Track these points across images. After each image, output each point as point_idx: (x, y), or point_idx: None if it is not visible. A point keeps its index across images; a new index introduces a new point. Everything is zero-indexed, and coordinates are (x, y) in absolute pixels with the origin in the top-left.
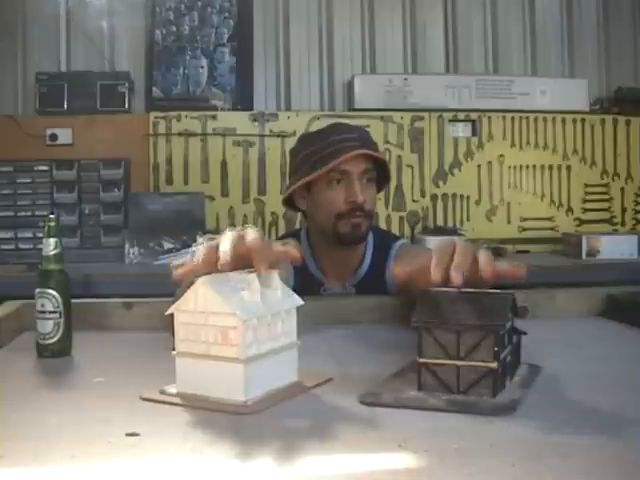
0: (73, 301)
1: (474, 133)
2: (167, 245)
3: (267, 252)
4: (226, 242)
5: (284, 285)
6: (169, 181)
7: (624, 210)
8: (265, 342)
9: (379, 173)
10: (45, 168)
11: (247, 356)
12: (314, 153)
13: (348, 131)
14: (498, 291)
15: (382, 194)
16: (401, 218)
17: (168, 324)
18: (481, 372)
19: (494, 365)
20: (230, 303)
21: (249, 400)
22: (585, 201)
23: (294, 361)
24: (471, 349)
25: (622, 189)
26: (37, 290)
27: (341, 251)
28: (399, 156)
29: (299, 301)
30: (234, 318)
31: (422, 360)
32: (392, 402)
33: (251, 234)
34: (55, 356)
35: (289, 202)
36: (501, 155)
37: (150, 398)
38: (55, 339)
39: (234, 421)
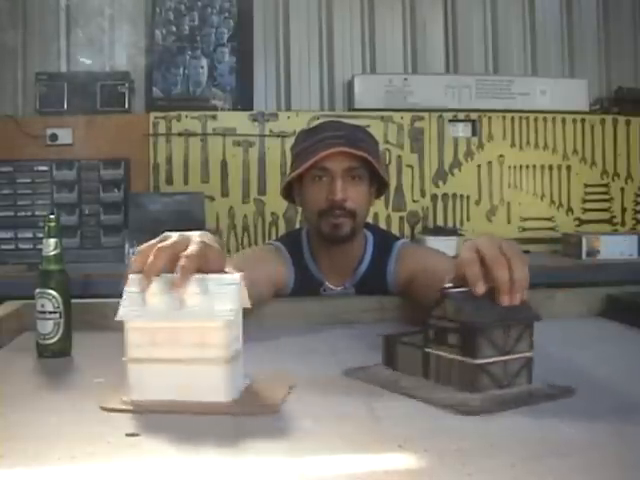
0: (73, 301)
1: (474, 133)
2: None
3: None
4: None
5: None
6: (169, 181)
7: (624, 210)
8: (235, 343)
9: (377, 174)
10: (45, 168)
11: (230, 356)
12: (302, 150)
13: (338, 129)
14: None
15: None
16: (401, 218)
17: None
18: (522, 362)
19: (531, 354)
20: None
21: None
22: (585, 201)
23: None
24: (515, 342)
25: (622, 189)
26: (37, 290)
27: (338, 250)
28: (399, 156)
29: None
30: (216, 320)
31: (479, 362)
32: (491, 408)
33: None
34: (55, 356)
35: (289, 195)
36: (501, 155)
37: (113, 408)
38: (55, 339)
39: (234, 421)
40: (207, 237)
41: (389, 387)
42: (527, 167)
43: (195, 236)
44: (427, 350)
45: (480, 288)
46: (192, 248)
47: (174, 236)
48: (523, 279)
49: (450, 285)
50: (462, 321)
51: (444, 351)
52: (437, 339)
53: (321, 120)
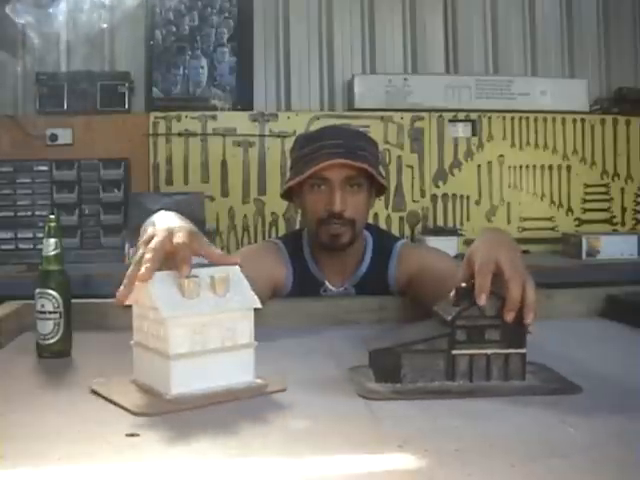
0: (73, 301)
1: (474, 133)
2: None
3: (188, 253)
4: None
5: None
6: (169, 181)
7: (624, 210)
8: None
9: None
10: (45, 168)
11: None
12: (301, 157)
13: (337, 136)
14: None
15: None
16: (401, 218)
17: None
18: None
19: None
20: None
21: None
22: (585, 201)
23: None
24: None
25: (622, 189)
26: (37, 290)
27: (338, 253)
28: (399, 156)
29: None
30: (245, 312)
31: (525, 351)
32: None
33: (179, 235)
34: (55, 356)
35: (289, 196)
36: (501, 155)
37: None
38: (55, 339)
39: (234, 421)
40: (183, 223)
41: (439, 396)
42: (527, 167)
43: (176, 227)
44: (454, 353)
45: (483, 300)
46: (180, 238)
47: (160, 234)
48: (534, 301)
49: (465, 286)
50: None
51: (482, 349)
52: (470, 339)
53: (321, 120)
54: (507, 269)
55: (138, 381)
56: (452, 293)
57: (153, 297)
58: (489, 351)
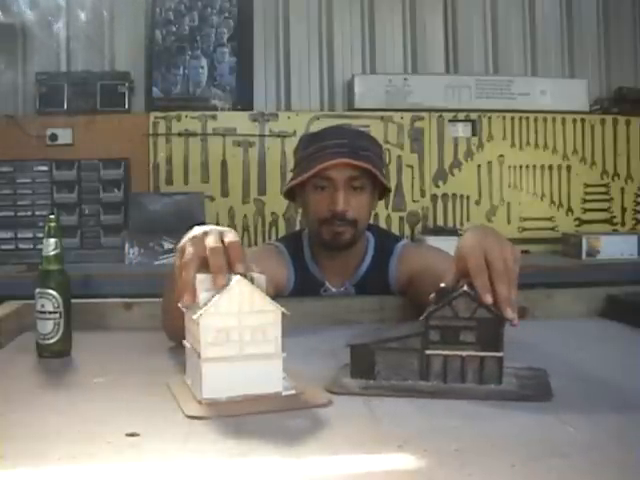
0: (73, 301)
1: (474, 133)
2: (167, 245)
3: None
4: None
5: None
6: (169, 181)
7: (624, 210)
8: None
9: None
10: (45, 168)
11: (280, 350)
12: (305, 157)
13: (342, 136)
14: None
15: None
16: (401, 218)
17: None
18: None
19: None
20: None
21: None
22: (585, 201)
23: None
24: None
25: (622, 189)
26: (37, 290)
27: (339, 253)
28: (399, 156)
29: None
30: (275, 314)
31: (502, 354)
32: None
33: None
34: (55, 356)
35: (291, 195)
36: (501, 155)
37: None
38: (55, 339)
39: (233, 420)
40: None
41: (408, 394)
42: (527, 167)
43: (219, 230)
44: (428, 352)
45: (489, 299)
46: (234, 241)
47: (209, 233)
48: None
49: (444, 287)
50: (484, 317)
51: (456, 350)
52: (444, 339)
53: (321, 120)
54: (494, 266)
55: (217, 398)
56: (432, 295)
57: (262, 299)
58: (464, 353)
